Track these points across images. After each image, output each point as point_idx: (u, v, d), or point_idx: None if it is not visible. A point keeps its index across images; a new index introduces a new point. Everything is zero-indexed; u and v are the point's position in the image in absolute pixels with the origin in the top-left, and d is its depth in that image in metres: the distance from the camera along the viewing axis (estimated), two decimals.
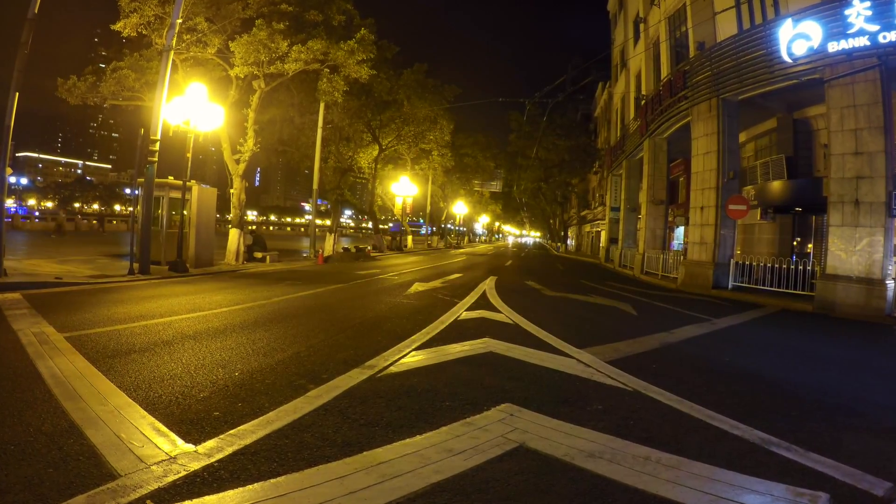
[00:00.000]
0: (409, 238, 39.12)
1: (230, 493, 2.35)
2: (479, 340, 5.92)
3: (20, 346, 4.71)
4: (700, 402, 4.05)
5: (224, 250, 16.29)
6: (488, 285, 12.12)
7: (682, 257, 16.86)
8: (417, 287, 11.43)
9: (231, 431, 3.02)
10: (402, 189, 33.51)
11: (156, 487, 2.35)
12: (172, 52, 12.36)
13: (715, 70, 15.09)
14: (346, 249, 24.63)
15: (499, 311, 8.21)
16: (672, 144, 20.56)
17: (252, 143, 16.68)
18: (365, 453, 2.82)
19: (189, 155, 12.81)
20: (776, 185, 16.04)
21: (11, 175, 40.15)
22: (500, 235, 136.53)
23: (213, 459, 2.65)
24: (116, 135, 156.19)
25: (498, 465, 2.78)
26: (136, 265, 11.26)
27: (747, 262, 13.98)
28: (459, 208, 54.36)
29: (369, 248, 26.38)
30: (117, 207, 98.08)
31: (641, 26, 24.86)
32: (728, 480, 2.74)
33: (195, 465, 2.58)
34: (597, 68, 39.48)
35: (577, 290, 12.66)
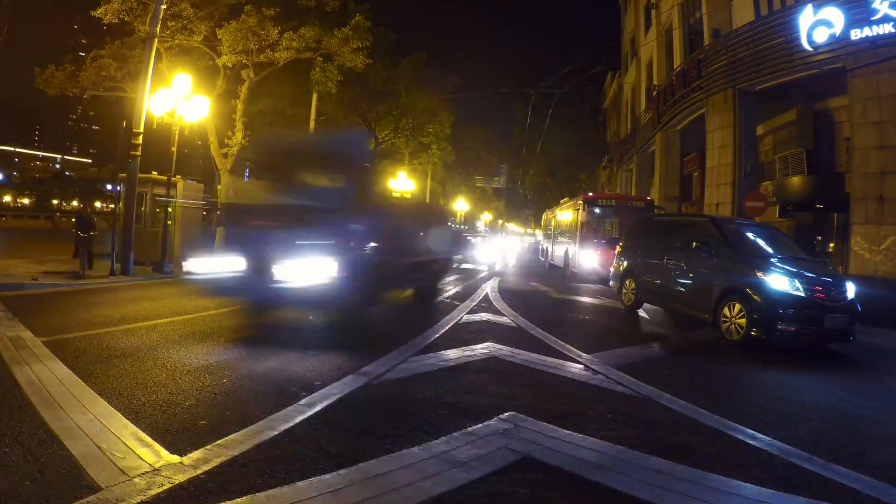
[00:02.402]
0: None
1: None
2: (481, 345, 5.92)
3: None
4: (716, 410, 4.05)
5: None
6: (491, 287, 12.12)
7: None
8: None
9: (219, 441, 3.01)
10: (400, 185, 33.48)
11: (139, 501, 2.35)
12: (156, 40, 12.34)
13: (731, 59, 15.08)
14: None
15: (502, 314, 8.21)
16: (685, 138, 20.57)
17: (241, 136, 16.67)
18: (360, 465, 2.81)
19: (174, 149, 12.79)
20: (795, 181, 16.03)
21: None
22: (505, 234, 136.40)
23: (199, 471, 2.65)
24: (97, 128, 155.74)
25: (502, 478, 2.78)
26: (117, 266, 11.26)
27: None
28: (460, 205, 54.35)
29: None
30: (98, 204, 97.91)
31: (653, 12, 24.83)
32: (746, 494, 2.74)
33: (180, 478, 2.57)
34: (606, 57, 39.34)
35: (586, 292, 12.66)
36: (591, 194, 16.72)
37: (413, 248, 8.08)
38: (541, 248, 27.27)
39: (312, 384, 4.18)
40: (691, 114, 18.09)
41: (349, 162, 6.35)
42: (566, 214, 19.13)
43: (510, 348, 5.84)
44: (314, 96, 20.28)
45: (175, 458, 2.77)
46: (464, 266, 17.33)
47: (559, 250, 19.39)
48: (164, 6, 12.39)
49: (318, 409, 3.65)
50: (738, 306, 6.79)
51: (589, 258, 14.61)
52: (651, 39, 25.56)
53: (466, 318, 7.76)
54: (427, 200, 39.31)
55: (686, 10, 20.63)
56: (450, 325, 7.06)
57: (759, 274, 6.75)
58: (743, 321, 6.67)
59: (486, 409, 3.81)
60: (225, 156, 16.91)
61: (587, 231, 15.06)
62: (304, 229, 5.71)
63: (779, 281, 6.56)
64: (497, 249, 15.71)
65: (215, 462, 2.75)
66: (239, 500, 2.40)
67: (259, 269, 5.56)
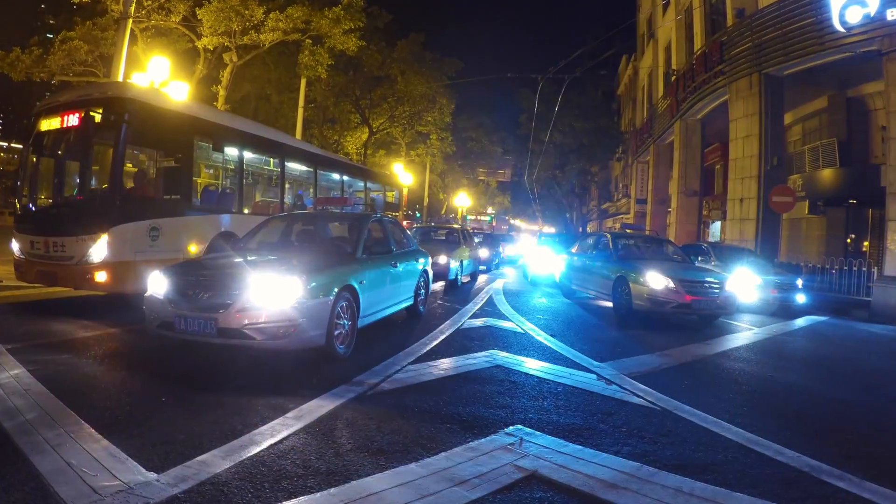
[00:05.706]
0: None
1: None
2: (484, 352, 5.93)
3: None
4: (740, 423, 4.04)
5: None
6: (495, 288, 12.12)
7: None
8: None
9: (198, 458, 3.01)
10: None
11: None
12: (131, 21, 12.33)
13: (756, 41, 15.07)
14: None
15: (507, 319, 8.21)
16: (707, 127, 20.55)
17: None
18: (353, 483, 2.81)
19: None
20: (827, 174, 16.04)
21: None
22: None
23: (177, 490, 2.64)
24: None
25: (507, 497, 2.77)
26: None
27: (793, 263, 13.99)
28: (462, 200, 54.35)
29: None
30: None
31: None
32: None
33: (157, 497, 2.57)
34: (620, 40, 39.20)
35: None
36: None
37: None
38: None
39: (301, 395, 4.17)
40: (713, 101, 18.08)
41: None
42: None
43: (516, 356, 5.85)
44: (303, 82, 20.28)
45: (151, 476, 2.77)
46: None
47: None
48: None
49: (306, 422, 3.64)
50: None
51: None
52: (669, 20, 25.56)
53: (469, 322, 7.75)
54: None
55: None
56: (450, 331, 7.05)
57: None
58: None
59: (490, 423, 3.81)
60: None
61: None
62: None
63: None
64: None
65: (195, 480, 2.75)
66: None
67: None
